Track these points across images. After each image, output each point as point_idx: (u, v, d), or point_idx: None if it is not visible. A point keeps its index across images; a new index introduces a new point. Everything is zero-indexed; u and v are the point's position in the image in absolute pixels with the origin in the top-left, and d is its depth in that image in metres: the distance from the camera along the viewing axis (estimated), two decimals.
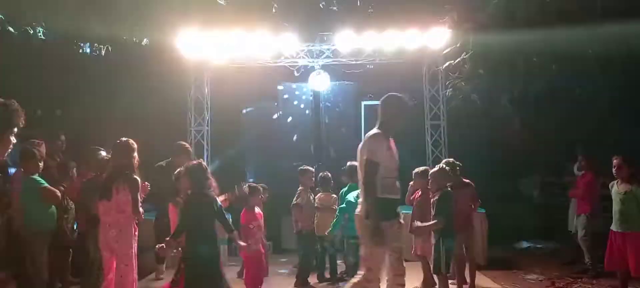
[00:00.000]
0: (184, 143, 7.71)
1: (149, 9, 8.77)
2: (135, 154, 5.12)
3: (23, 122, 3.12)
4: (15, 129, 3.07)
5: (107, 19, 8.90)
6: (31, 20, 8.77)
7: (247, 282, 5.89)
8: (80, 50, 10.30)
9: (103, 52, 9.91)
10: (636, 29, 7.60)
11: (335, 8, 9.66)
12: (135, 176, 5.02)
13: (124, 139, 5.18)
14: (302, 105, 11.76)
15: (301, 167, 7.40)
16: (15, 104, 3.09)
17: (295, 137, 11.61)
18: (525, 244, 9.82)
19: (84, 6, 8.67)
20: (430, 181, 5.96)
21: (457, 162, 6.53)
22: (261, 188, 6.28)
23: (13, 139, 3.08)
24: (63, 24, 8.78)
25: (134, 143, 5.16)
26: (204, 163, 5.33)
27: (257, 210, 6.05)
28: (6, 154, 3.22)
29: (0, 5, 8.17)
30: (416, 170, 6.55)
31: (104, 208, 5.00)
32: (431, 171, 6.16)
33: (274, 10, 9.29)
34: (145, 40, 9.68)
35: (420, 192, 6.39)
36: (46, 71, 9.61)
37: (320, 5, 9.74)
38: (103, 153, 5.93)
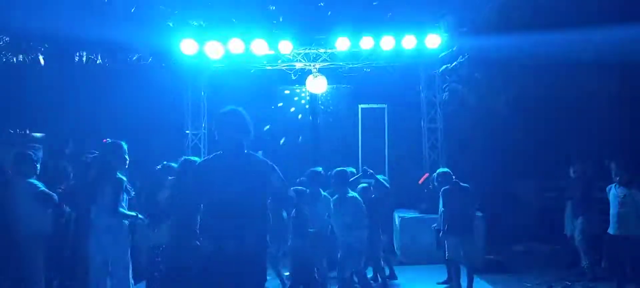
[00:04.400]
0: None
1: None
2: (124, 155, 5.04)
3: None
4: None
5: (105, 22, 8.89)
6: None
7: None
8: (77, 58, 10.20)
9: (98, 60, 9.86)
10: (632, 33, 7.64)
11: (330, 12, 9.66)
12: (119, 176, 4.96)
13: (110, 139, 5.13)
14: (299, 108, 11.74)
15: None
16: None
17: (292, 138, 11.57)
18: (522, 247, 9.80)
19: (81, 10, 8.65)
20: None
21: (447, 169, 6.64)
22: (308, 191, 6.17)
23: None
24: (61, 29, 8.75)
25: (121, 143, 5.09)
26: None
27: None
28: None
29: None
30: None
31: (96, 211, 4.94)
32: None
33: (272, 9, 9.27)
34: None
35: None
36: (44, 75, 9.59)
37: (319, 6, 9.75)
38: None
